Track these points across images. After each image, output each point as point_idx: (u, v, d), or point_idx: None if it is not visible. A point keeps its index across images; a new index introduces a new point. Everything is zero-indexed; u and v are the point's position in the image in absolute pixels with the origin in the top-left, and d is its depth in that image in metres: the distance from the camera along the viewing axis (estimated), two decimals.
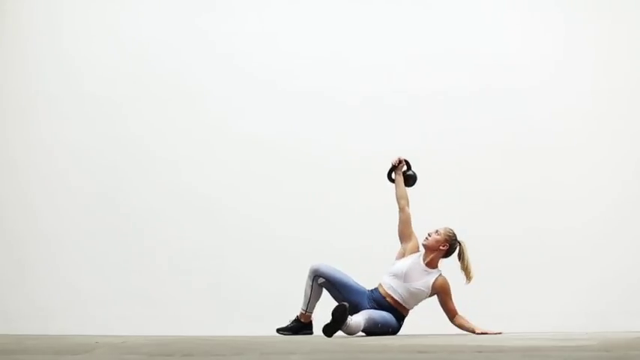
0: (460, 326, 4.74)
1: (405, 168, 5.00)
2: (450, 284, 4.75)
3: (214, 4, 6.74)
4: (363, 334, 4.53)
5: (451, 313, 4.74)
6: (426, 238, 4.78)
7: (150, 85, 6.64)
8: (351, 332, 4.37)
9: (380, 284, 4.78)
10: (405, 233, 4.88)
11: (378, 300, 4.71)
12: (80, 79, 6.68)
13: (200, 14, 6.71)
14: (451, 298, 4.73)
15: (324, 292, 4.79)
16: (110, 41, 6.73)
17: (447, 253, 4.79)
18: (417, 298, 4.72)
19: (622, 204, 6.28)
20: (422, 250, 4.81)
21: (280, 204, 6.38)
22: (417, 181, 4.98)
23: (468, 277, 4.74)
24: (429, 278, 4.71)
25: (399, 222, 4.90)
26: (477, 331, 4.68)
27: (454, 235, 4.79)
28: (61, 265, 6.40)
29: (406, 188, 4.96)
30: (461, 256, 4.77)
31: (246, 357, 2.92)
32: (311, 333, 4.81)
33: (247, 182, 6.44)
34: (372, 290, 4.76)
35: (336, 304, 4.43)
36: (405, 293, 4.69)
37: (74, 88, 6.67)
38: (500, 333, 4.65)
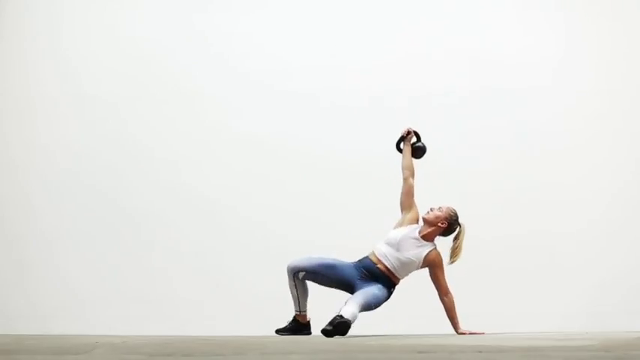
0: (447, 311, 4.66)
1: (414, 139, 4.97)
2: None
3: (214, 4, 6.74)
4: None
5: (442, 290, 4.65)
6: (428, 212, 4.74)
7: (149, 85, 6.65)
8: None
9: (372, 252, 4.71)
10: (405, 204, 4.83)
11: (369, 267, 4.64)
12: (79, 80, 6.69)
13: (199, 15, 6.72)
14: (443, 273, 4.66)
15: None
16: (109, 42, 6.74)
17: (446, 232, 4.75)
18: (407, 268, 4.65)
19: (622, 205, 6.28)
20: (421, 223, 4.77)
21: (280, 204, 6.38)
22: (426, 153, 4.94)
23: (453, 258, 4.70)
24: (422, 250, 4.65)
25: (401, 192, 4.86)
26: (458, 331, 4.65)
27: (456, 215, 4.76)
28: (61, 265, 6.40)
29: (413, 160, 4.92)
30: (457, 238, 4.74)
31: (246, 357, 2.92)
32: (309, 333, 4.79)
33: (247, 183, 6.44)
34: (361, 259, 4.70)
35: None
36: (397, 262, 4.62)
37: (73, 88, 6.67)
38: (483, 333, 4.62)
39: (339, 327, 4.14)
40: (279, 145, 6.47)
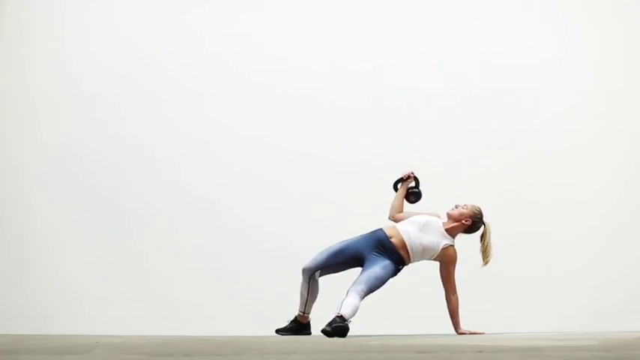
0: (451, 310, 4.62)
1: (412, 184, 4.95)
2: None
3: (213, 4, 6.74)
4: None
5: (451, 289, 4.61)
6: (452, 208, 4.72)
7: (148, 85, 6.65)
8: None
9: (390, 226, 4.68)
10: (406, 217, 4.78)
11: (382, 240, 4.59)
12: (78, 80, 6.70)
13: (199, 14, 6.72)
14: (454, 272, 4.62)
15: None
16: (109, 42, 6.75)
17: (469, 229, 4.71)
18: (423, 252, 4.58)
19: (623, 205, 6.27)
20: (444, 218, 4.73)
21: (279, 205, 6.38)
22: (420, 200, 4.90)
23: (485, 259, 4.67)
24: (443, 240, 4.61)
25: (394, 220, 4.84)
26: (458, 331, 4.63)
27: (480, 213, 4.72)
28: (61, 265, 6.40)
29: (405, 203, 4.90)
30: (483, 237, 4.71)
31: (246, 357, 2.92)
32: (309, 333, 4.79)
33: (247, 183, 6.44)
34: (374, 231, 4.65)
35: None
36: (417, 243, 4.56)
37: (72, 88, 6.68)
38: (483, 333, 4.60)
39: (337, 330, 4.12)
40: (278, 146, 6.47)
